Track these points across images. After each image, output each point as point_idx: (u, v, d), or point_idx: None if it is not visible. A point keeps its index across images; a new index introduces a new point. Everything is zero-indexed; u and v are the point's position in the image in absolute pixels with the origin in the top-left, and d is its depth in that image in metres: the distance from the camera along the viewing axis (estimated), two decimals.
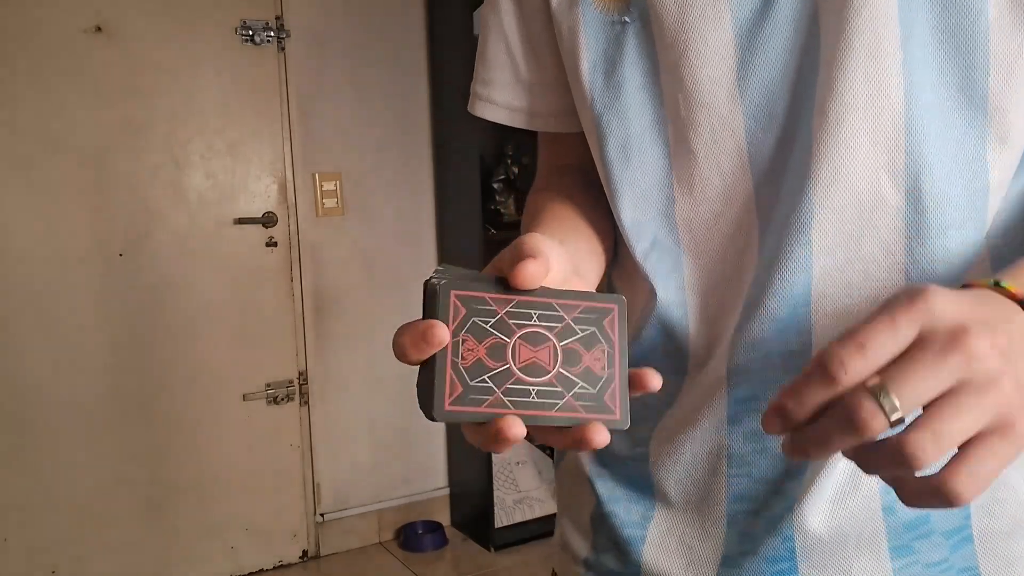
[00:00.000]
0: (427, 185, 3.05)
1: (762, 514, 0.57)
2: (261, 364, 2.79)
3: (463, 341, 0.41)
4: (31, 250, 2.46)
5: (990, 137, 0.52)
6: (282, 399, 2.83)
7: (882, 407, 0.36)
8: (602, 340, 0.44)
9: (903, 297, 0.38)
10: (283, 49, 2.75)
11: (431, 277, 0.42)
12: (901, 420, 0.36)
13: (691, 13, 0.54)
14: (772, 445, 0.57)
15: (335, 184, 2.87)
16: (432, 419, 0.41)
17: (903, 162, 0.51)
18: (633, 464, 0.63)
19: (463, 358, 0.41)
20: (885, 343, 0.37)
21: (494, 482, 2.91)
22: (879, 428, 0.36)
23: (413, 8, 2.95)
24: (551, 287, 0.44)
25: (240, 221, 2.72)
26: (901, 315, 0.37)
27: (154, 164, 2.60)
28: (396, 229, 3.00)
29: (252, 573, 2.83)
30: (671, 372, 0.61)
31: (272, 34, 2.72)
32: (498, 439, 0.40)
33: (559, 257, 0.45)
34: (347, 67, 2.85)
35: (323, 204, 2.86)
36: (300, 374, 2.86)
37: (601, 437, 0.41)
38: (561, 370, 0.43)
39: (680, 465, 0.60)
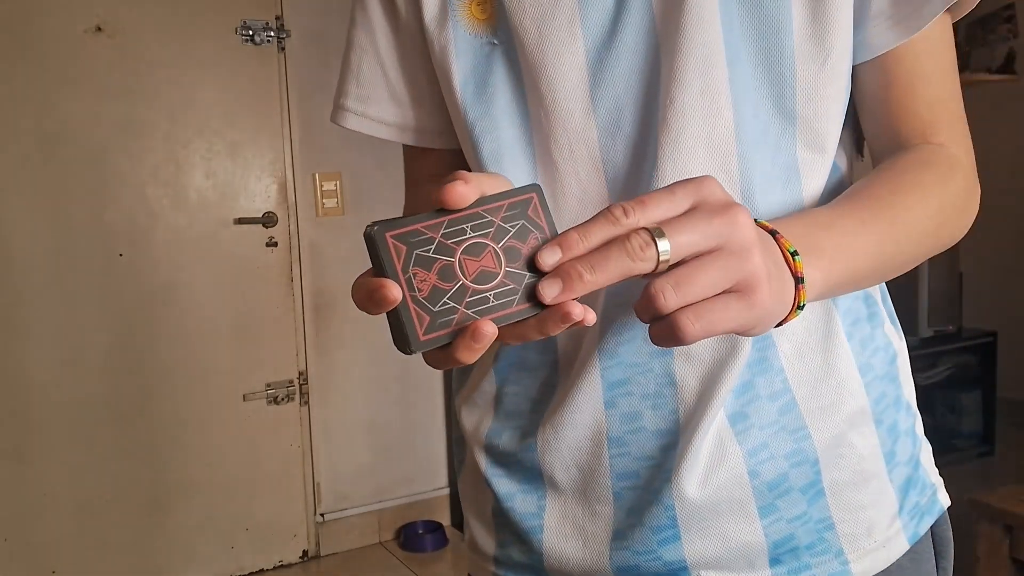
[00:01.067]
0: None
1: (645, 488, 0.62)
2: (261, 364, 2.79)
3: (414, 275, 0.44)
4: (31, 250, 2.46)
5: (800, 144, 0.61)
6: (282, 399, 2.83)
7: (655, 243, 0.42)
8: (533, 228, 0.47)
9: (684, 179, 0.46)
10: (283, 49, 2.75)
11: (366, 229, 0.44)
12: (667, 263, 0.43)
13: (547, 36, 0.61)
14: (647, 425, 0.62)
15: (335, 184, 2.87)
16: (410, 353, 0.43)
17: (736, 166, 0.59)
18: (524, 456, 0.67)
19: (419, 290, 0.44)
20: (662, 203, 0.44)
21: None
22: (650, 258, 0.42)
23: None
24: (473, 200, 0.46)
25: (240, 221, 2.72)
26: (679, 187, 0.45)
27: (154, 164, 2.60)
28: None
29: (252, 573, 2.83)
30: (545, 366, 0.66)
31: (272, 34, 2.72)
32: (476, 339, 0.43)
33: (492, 179, 0.49)
34: None
35: (323, 204, 2.86)
36: (300, 374, 2.86)
37: (578, 309, 0.44)
38: (508, 268, 0.46)
39: (565, 451, 0.64)
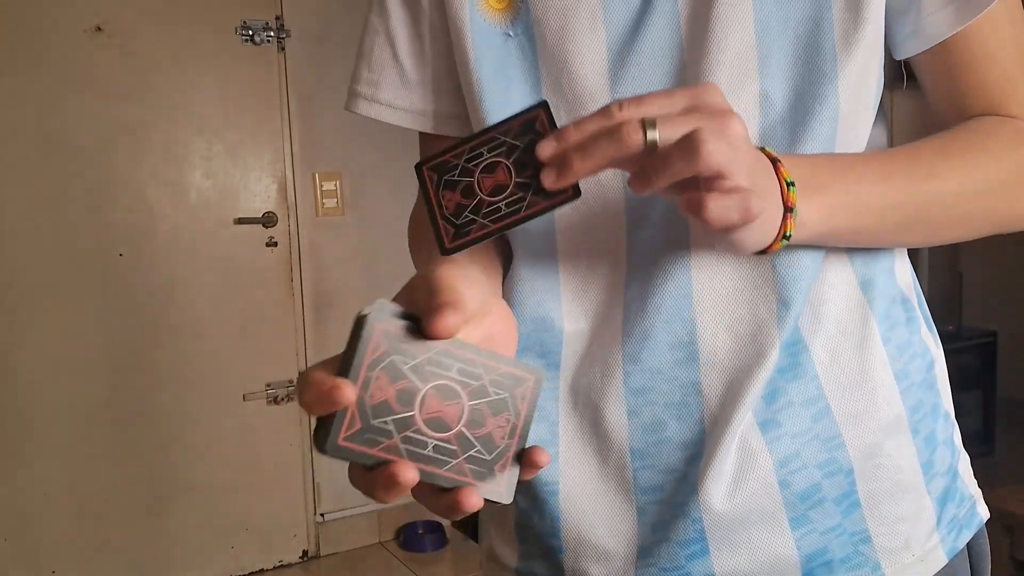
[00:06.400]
0: None
1: (670, 502, 0.60)
2: (261, 364, 2.79)
3: (376, 378, 0.39)
4: (31, 250, 2.46)
5: (839, 143, 0.58)
6: (282, 399, 2.83)
7: (644, 132, 0.44)
8: (510, 409, 0.43)
9: (689, 85, 0.48)
10: (283, 49, 2.75)
11: (363, 309, 0.40)
12: (655, 144, 0.44)
13: (569, 30, 0.60)
14: (671, 436, 0.59)
15: (335, 184, 2.87)
16: (323, 452, 0.39)
17: None
18: (545, 471, 0.63)
19: (371, 395, 0.39)
20: (658, 100, 0.45)
21: None
22: (635, 144, 0.44)
23: None
24: (476, 346, 0.43)
25: (240, 221, 2.72)
26: (679, 91, 0.46)
27: (154, 164, 2.60)
28: (396, 229, 2.99)
29: (252, 573, 2.83)
30: (548, 367, 0.64)
31: (272, 34, 2.72)
32: (388, 485, 0.39)
33: (473, 284, 0.46)
34: (347, 67, 2.83)
35: (323, 204, 2.86)
36: (300, 374, 2.85)
37: (473, 500, 0.41)
38: (463, 429, 0.41)
39: (585, 463, 0.62)
